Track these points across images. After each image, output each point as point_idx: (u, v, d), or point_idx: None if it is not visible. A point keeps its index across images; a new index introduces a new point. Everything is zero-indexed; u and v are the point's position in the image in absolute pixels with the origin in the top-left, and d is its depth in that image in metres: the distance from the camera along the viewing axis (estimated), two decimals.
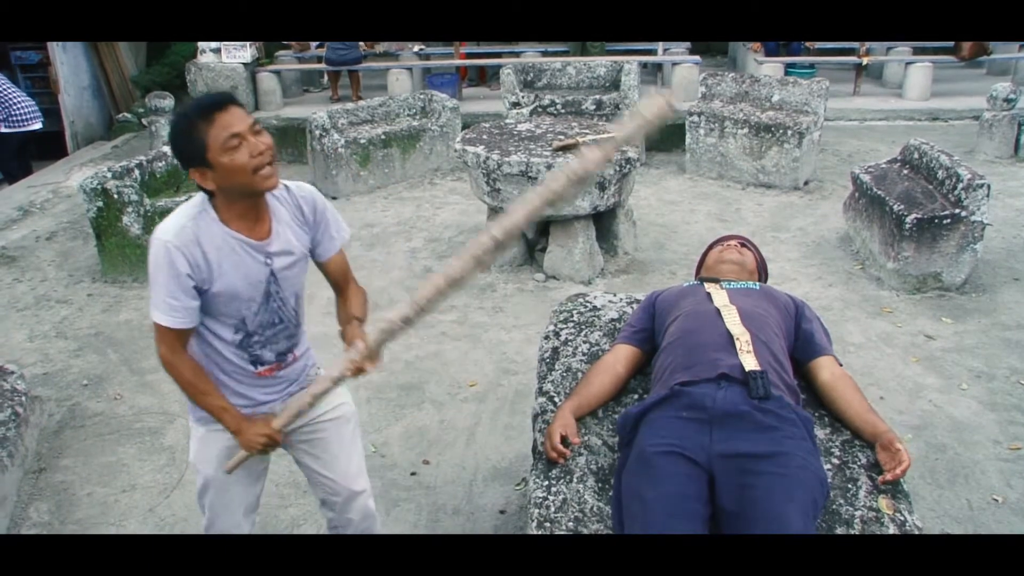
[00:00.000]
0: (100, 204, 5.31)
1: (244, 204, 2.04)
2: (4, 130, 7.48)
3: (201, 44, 9.53)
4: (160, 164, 5.91)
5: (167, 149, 6.06)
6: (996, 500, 3.23)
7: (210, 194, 2.03)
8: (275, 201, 2.13)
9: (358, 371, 2.11)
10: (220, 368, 2.19)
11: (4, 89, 7.46)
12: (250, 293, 2.09)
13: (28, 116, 7.54)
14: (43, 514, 3.31)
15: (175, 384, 2.15)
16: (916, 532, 2.08)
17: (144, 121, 9.19)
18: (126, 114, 9.98)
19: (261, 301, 2.13)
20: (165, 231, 2.00)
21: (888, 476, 2.20)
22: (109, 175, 5.37)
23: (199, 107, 1.95)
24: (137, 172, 5.57)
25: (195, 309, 2.04)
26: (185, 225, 2.00)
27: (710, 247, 3.05)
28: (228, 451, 2.26)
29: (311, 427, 2.39)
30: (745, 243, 3.01)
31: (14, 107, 7.43)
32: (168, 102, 8.53)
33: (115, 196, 5.29)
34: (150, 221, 5.35)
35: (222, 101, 1.96)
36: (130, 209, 5.33)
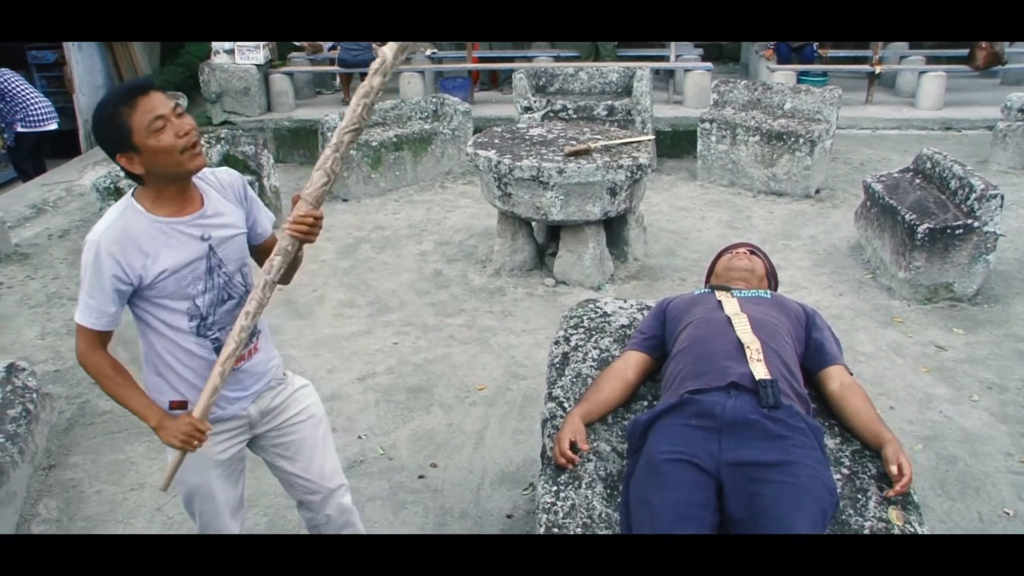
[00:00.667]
0: (113, 203, 5.33)
1: (173, 188, 2.08)
2: (20, 129, 7.54)
3: (215, 45, 9.57)
4: None
5: None
6: (1007, 513, 3.21)
7: (139, 181, 2.07)
8: (202, 183, 2.18)
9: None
10: (186, 366, 2.18)
11: (22, 89, 7.52)
12: (191, 269, 2.10)
13: (45, 116, 7.60)
14: (52, 511, 3.33)
15: (93, 380, 2.16)
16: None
17: None
18: None
19: (205, 277, 2.13)
20: (95, 232, 2.03)
21: (889, 492, 2.19)
22: (122, 174, 5.39)
23: (121, 93, 1.99)
24: None
25: (111, 315, 2.07)
26: (112, 223, 2.04)
27: (719, 255, 3.05)
28: (209, 459, 2.26)
29: (284, 430, 2.39)
30: (754, 250, 3.01)
31: (31, 107, 7.49)
32: (182, 102, 8.53)
33: None
34: None
35: (143, 85, 2.01)
36: None
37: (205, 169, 2.15)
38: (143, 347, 2.22)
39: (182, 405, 2.19)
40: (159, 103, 1.98)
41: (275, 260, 2.11)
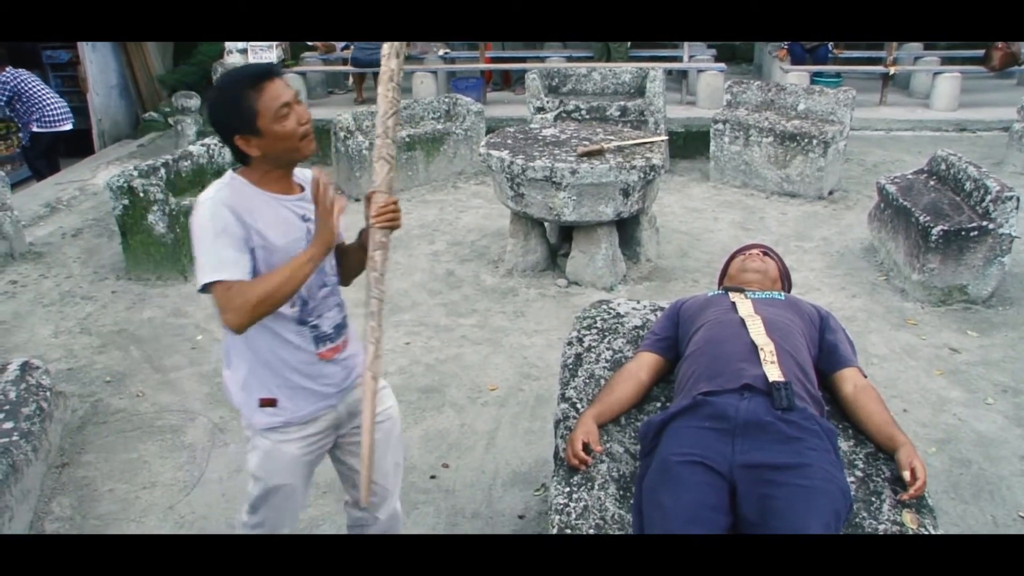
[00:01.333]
0: (126, 202, 5.36)
1: (279, 172, 2.13)
2: (36, 129, 7.59)
3: (228, 44, 9.60)
4: (186, 163, 5.95)
5: (193, 148, 6.11)
6: (1022, 517, 3.18)
7: (245, 162, 2.11)
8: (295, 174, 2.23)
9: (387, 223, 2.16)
10: (282, 360, 2.17)
11: (38, 90, 7.57)
12: (294, 247, 2.10)
13: (60, 117, 7.65)
14: (65, 508, 3.34)
15: (265, 312, 1.99)
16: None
17: (170, 120, 9.29)
18: (153, 113, 10.09)
19: None
20: (206, 195, 2.06)
21: (903, 495, 2.18)
22: (135, 173, 5.42)
23: (247, 77, 2.02)
24: (163, 171, 5.62)
25: (246, 262, 2.01)
26: (221, 189, 2.07)
27: (732, 256, 3.04)
28: (298, 460, 2.27)
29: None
30: (767, 252, 3.00)
31: (47, 108, 7.54)
32: (194, 102, 8.57)
33: (141, 194, 5.34)
34: (175, 220, 5.40)
35: (268, 72, 2.04)
36: (155, 207, 5.38)
37: None
38: (232, 341, 2.18)
39: (271, 403, 2.19)
40: (283, 90, 2.03)
41: (376, 255, 2.15)
